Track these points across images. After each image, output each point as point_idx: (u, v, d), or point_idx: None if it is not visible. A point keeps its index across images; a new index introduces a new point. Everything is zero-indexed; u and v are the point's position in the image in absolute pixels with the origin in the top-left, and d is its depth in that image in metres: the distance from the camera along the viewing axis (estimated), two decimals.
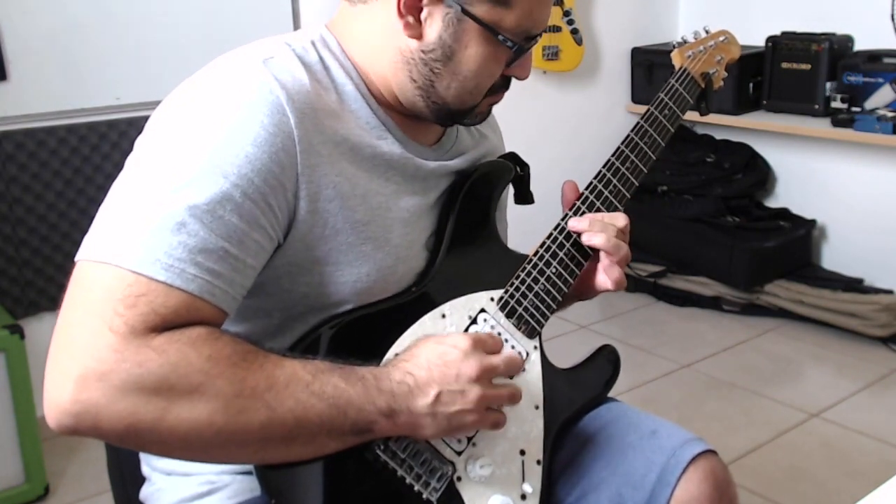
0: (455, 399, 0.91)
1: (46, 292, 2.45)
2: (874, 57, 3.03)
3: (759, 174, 3.45)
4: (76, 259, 0.86)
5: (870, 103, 3.03)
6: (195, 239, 0.83)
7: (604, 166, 1.17)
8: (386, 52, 0.99)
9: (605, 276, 1.11)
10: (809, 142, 3.32)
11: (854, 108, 3.07)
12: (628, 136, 1.18)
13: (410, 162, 1.03)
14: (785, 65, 3.22)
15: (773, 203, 3.52)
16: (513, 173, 1.16)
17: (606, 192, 1.14)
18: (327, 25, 1.04)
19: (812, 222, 3.34)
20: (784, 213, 3.40)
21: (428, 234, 1.07)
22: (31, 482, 2.16)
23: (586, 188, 1.15)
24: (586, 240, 1.09)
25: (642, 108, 3.52)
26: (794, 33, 3.22)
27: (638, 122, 1.20)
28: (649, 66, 3.52)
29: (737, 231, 3.27)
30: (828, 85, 3.14)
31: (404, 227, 1.02)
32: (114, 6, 2.44)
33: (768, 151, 3.49)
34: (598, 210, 1.13)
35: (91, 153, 2.44)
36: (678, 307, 3.35)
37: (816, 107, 3.17)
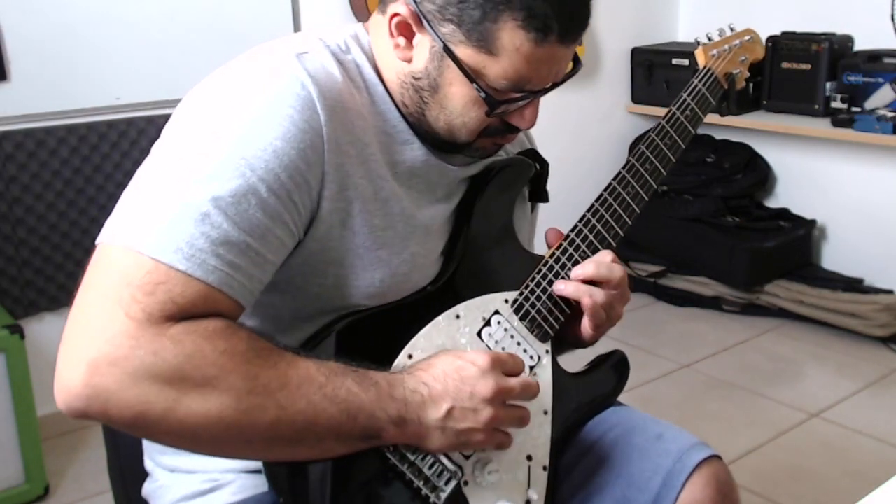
0: (466, 416, 0.90)
1: (46, 292, 2.45)
2: (874, 57, 3.03)
3: (759, 174, 3.45)
4: (97, 242, 0.85)
5: (870, 103, 3.03)
6: (218, 231, 0.83)
7: (623, 167, 1.14)
8: (391, 68, 0.99)
9: (586, 320, 1.07)
10: (809, 142, 3.32)
11: (854, 108, 3.07)
12: (648, 136, 1.16)
13: (435, 168, 1.02)
14: (785, 65, 3.22)
15: (773, 203, 3.52)
16: (533, 170, 1.14)
17: (624, 194, 1.12)
18: (365, 25, 1.03)
19: (812, 222, 3.34)
20: (784, 213, 3.40)
21: (447, 241, 1.06)
22: (31, 482, 2.16)
23: (605, 189, 1.12)
24: (558, 291, 1.06)
25: (642, 108, 3.58)
26: (794, 33, 3.22)
27: (659, 123, 1.17)
28: (649, 66, 3.52)
29: (737, 231, 3.27)
30: (828, 85, 3.14)
31: (424, 236, 1.02)
32: (114, 6, 2.43)
33: (768, 151, 3.49)
34: (614, 210, 1.11)
35: (91, 153, 2.44)
36: (678, 307, 3.35)
37: (816, 107, 3.17)
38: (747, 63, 1.31)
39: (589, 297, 1.05)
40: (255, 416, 0.82)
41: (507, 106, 0.96)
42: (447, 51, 0.92)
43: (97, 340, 0.78)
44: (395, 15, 0.94)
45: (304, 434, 0.84)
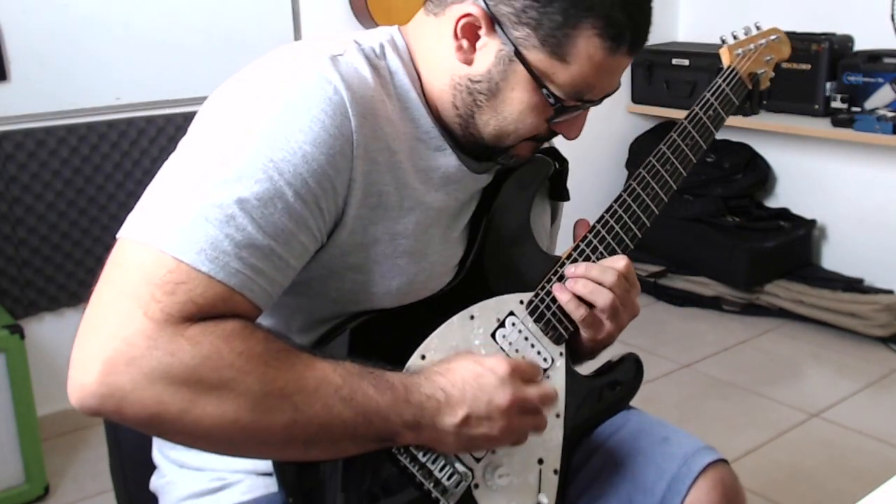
0: (482, 424, 0.90)
1: (46, 292, 2.45)
2: (874, 57, 3.03)
3: (759, 174, 3.45)
4: (118, 236, 0.84)
5: (870, 103, 3.03)
6: (242, 234, 0.82)
7: (643, 167, 1.12)
8: (440, 69, 0.97)
9: (585, 328, 1.05)
10: (809, 142, 3.32)
11: (854, 108, 3.07)
12: (670, 136, 1.14)
13: (469, 177, 1.02)
14: (785, 65, 3.20)
15: (773, 203, 3.52)
16: (552, 169, 1.12)
17: (644, 195, 1.11)
18: (401, 28, 1.02)
19: (812, 222, 3.34)
20: (784, 213, 3.40)
21: (465, 248, 1.05)
22: (31, 482, 2.16)
23: (624, 191, 1.11)
24: (567, 285, 1.05)
25: (642, 108, 3.58)
26: (794, 33, 3.22)
27: (681, 122, 1.15)
28: (649, 66, 3.52)
29: (737, 231, 3.28)
30: (828, 85, 3.14)
31: (444, 245, 1.01)
32: (114, 6, 2.43)
33: (768, 151, 3.49)
34: (633, 211, 1.10)
35: (91, 153, 2.43)
36: (678, 307, 3.35)
37: (816, 107, 3.17)
38: (773, 63, 1.28)
39: (577, 306, 1.04)
40: (271, 419, 0.81)
41: (568, 114, 0.96)
42: (518, 55, 0.92)
43: (114, 339, 0.78)
44: (465, 16, 0.92)
45: (319, 436, 0.84)
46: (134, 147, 2.47)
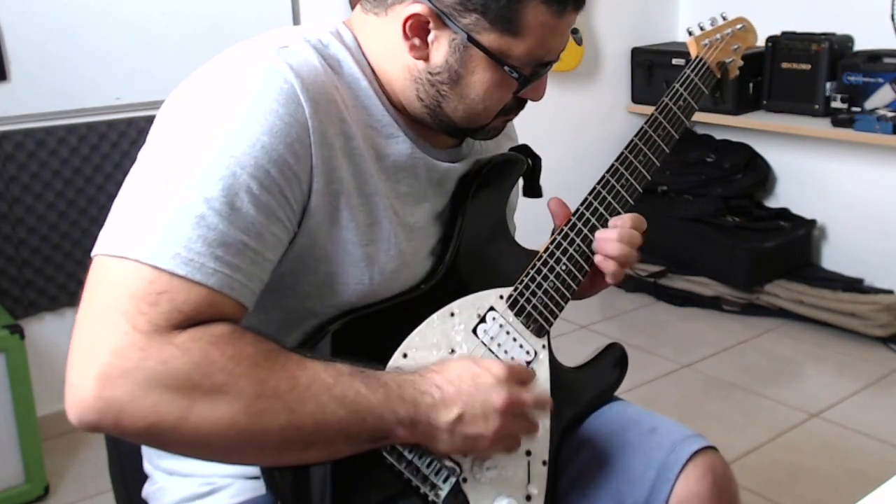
0: (476, 423, 0.90)
1: (46, 292, 2.45)
2: (874, 57, 3.03)
3: (759, 174, 3.45)
4: (93, 254, 0.85)
5: (870, 103, 3.03)
6: (214, 232, 0.83)
7: (616, 160, 1.14)
8: (395, 65, 0.98)
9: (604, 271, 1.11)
10: (809, 142, 3.32)
11: (854, 108, 3.07)
12: (642, 128, 1.16)
13: (421, 163, 1.02)
14: (785, 65, 3.22)
15: (773, 203, 3.52)
16: (525, 166, 1.14)
17: (618, 187, 1.12)
18: (345, 22, 1.03)
19: (812, 222, 3.34)
20: (784, 213, 3.40)
21: (437, 240, 1.06)
22: (31, 482, 2.16)
23: (598, 183, 1.13)
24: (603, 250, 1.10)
25: (642, 108, 3.58)
26: (794, 33, 3.22)
27: (652, 114, 1.17)
28: (649, 66, 3.52)
29: (737, 231, 3.28)
30: (828, 85, 3.14)
31: (410, 233, 1.01)
32: (114, 6, 2.43)
33: (768, 151, 3.49)
34: (608, 203, 1.12)
35: (91, 153, 2.44)
36: (678, 307, 3.35)
37: (816, 107, 3.17)
38: (741, 51, 1.30)
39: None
40: (266, 420, 0.81)
41: (532, 83, 0.99)
42: (472, 40, 0.94)
43: (106, 354, 0.78)
44: (411, 17, 0.94)
45: (314, 436, 0.84)
46: (134, 147, 2.47)
